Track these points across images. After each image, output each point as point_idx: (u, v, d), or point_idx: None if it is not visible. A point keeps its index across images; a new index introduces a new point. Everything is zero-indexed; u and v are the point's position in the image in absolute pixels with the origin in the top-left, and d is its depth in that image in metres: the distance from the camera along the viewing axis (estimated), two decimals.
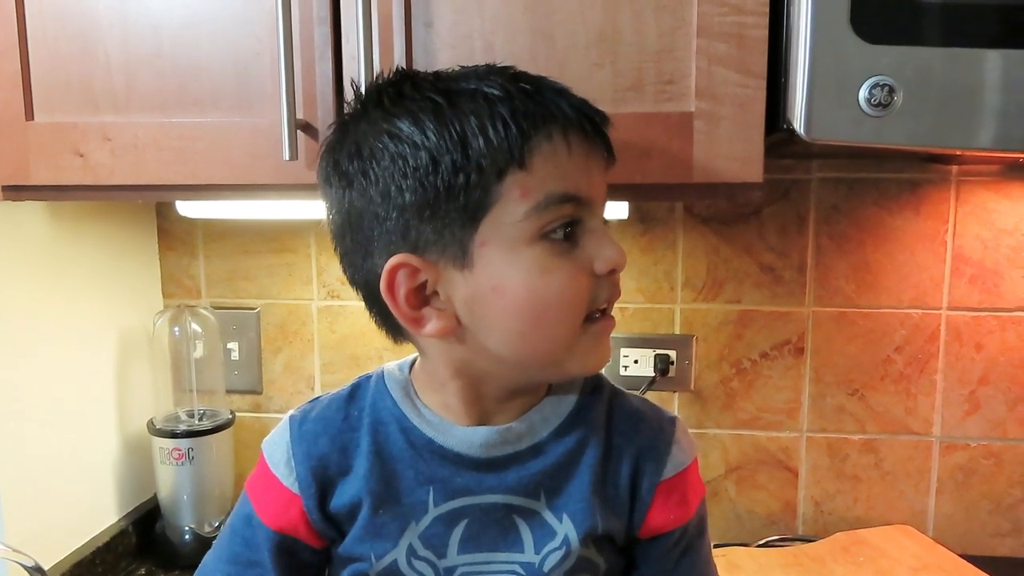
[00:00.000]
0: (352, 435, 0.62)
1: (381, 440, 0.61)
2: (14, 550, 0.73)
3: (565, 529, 0.60)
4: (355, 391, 0.65)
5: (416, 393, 0.63)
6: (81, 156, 0.79)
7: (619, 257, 0.56)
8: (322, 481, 0.61)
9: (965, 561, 0.99)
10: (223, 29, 0.77)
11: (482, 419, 0.61)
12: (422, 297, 0.56)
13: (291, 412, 0.65)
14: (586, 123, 0.56)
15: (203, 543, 1.09)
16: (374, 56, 0.74)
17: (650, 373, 1.11)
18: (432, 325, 0.57)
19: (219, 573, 0.65)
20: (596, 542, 0.61)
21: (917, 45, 0.65)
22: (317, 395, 0.68)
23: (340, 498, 0.61)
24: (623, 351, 1.12)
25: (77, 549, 1.01)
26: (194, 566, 1.06)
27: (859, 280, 1.08)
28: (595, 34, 0.73)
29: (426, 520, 0.60)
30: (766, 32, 0.71)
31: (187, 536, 1.09)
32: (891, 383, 1.09)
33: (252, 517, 0.63)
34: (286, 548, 0.63)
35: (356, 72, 0.74)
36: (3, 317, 0.90)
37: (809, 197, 1.07)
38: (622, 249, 0.57)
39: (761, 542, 1.10)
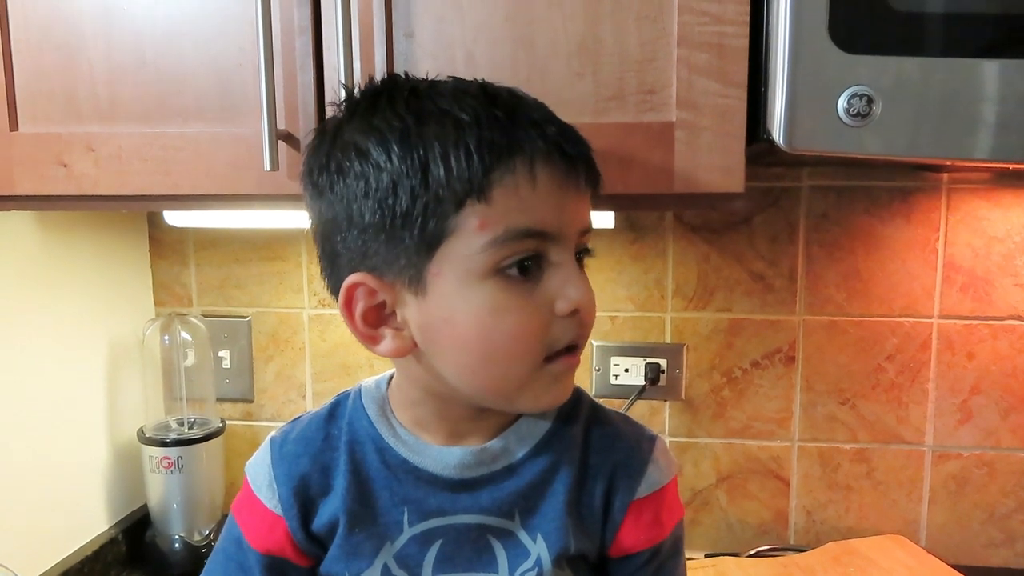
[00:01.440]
0: (332, 454, 0.62)
1: (358, 460, 0.61)
2: None
3: (539, 550, 0.60)
4: (334, 409, 0.64)
5: (392, 410, 0.63)
6: (65, 166, 0.79)
7: (582, 298, 0.54)
8: (304, 501, 0.61)
9: (958, 572, 0.98)
10: (206, 40, 0.77)
11: (456, 436, 0.61)
12: (381, 316, 0.56)
13: (272, 434, 0.66)
14: (557, 155, 0.54)
15: (193, 552, 1.09)
16: (355, 66, 0.74)
17: (640, 382, 1.11)
18: (386, 344, 0.57)
19: None
20: (570, 563, 0.61)
21: (896, 55, 0.64)
22: (303, 410, 0.68)
23: (321, 518, 0.61)
24: (613, 360, 1.12)
25: (66, 558, 1.01)
26: (184, 575, 1.07)
27: (850, 288, 1.07)
28: (576, 44, 0.73)
29: (401, 540, 0.60)
30: (746, 42, 0.70)
31: (177, 545, 1.09)
32: (883, 392, 1.08)
33: (242, 540, 0.63)
34: (277, 569, 0.63)
35: (337, 82, 0.74)
36: None
37: (799, 205, 1.07)
38: (588, 288, 0.55)
39: (752, 552, 1.09)
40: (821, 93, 0.65)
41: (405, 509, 0.60)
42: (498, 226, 0.52)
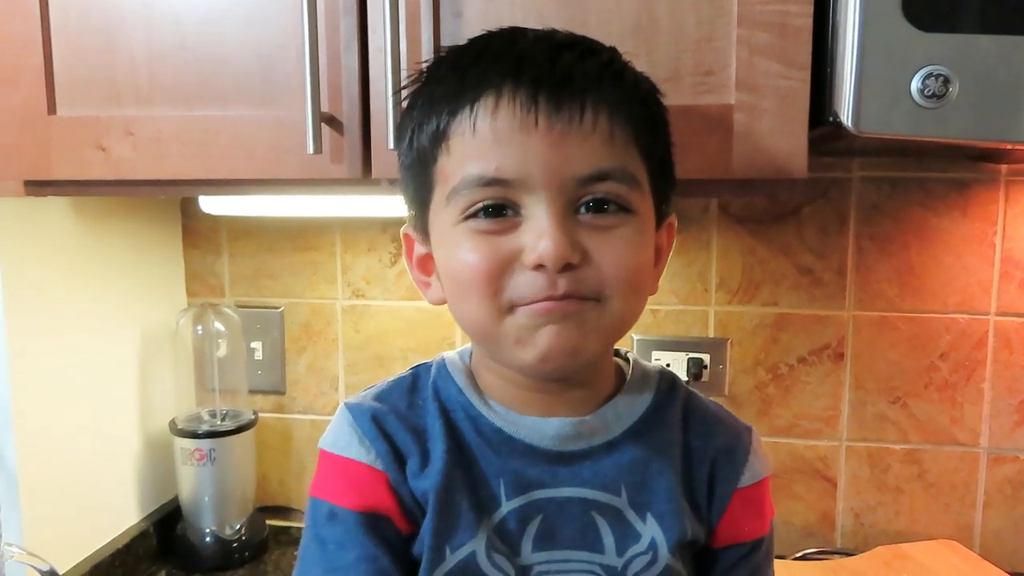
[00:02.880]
0: (421, 421, 0.58)
1: (453, 426, 0.58)
2: (30, 553, 0.72)
3: (651, 532, 0.56)
4: (416, 380, 0.61)
5: (479, 382, 0.60)
6: (103, 150, 0.78)
7: (547, 254, 0.50)
8: (400, 460, 0.57)
9: None
10: (247, 22, 0.75)
11: (548, 408, 0.57)
12: (430, 264, 0.59)
13: (344, 402, 0.61)
14: (520, 96, 0.50)
15: (224, 546, 1.07)
16: (401, 48, 0.71)
17: (683, 377, 1.07)
18: (431, 292, 0.60)
19: None
20: (682, 552, 0.57)
21: (975, 33, 0.61)
22: (336, 403, 0.66)
23: (419, 483, 0.56)
24: (655, 354, 1.09)
25: (97, 551, 1.00)
26: (215, 569, 1.06)
27: (902, 283, 1.04)
28: (630, 24, 0.70)
29: (499, 514, 0.56)
30: (810, 21, 0.67)
31: (208, 538, 1.07)
32: (935, 391, 1.04)
33: (334, 512, 0.56)
34: (379, 530, 0.56)
35: (382, 64, 0.71)
36: (26, 314, 0.89)
37: (850, 196, 1.03)
38: (558, 247, 0.50)
39: (798, 555, 1.05)
40: (893, 73, 0.62)
41: (501, 481, 0.56)
42: (455, 175, 0.53)
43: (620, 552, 0.56)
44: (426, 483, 0.56)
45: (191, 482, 1.07)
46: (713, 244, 1.07)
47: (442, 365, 0.61)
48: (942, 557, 1.00)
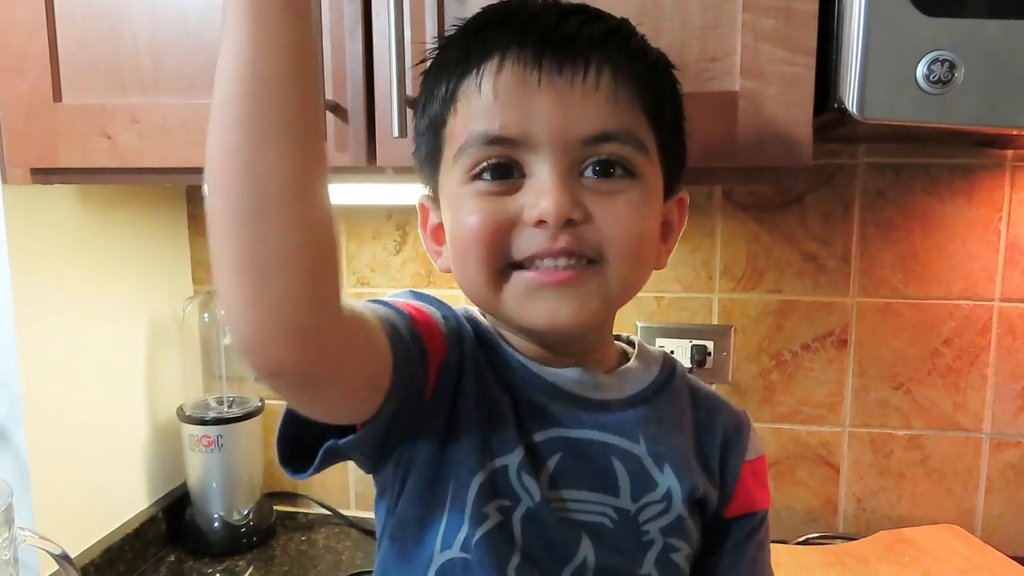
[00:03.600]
0: (474, 337, 0.57)
1: (493, 355, 0.57)
2: (42, 538, 0.73)
3: (668, 482, 0.56)
4: (454, 315, 0.59)
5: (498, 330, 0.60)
6: (109, 138, 0.78)
7: (548, 210, 0.50)
8: (460, 349, 0.55)
9: (1016, 563, 0.95)
10: None
11: (562, 365, 0.58)
12: (443, 233, 0.59)
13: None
14: (525, 56, 0.51)
15: (232, 531, 1.08)
16: (405, 33, 0.71)
17: (687, 364, 1.08)
18: (442, 260, 0.60)
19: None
20: (693, 509, 0.58)
21: (981, 17, 0.61)
22: None
23: (478, 386, 0.55)
24: (659, 341, 1.09)
25: (107, 535, 1.01)
26: (223, 553, 1.07)
27: (906, 270, 1.04)
28: (635, 8, 0.70)
29: (521, 445, 0.55)
30: (816, 6, 0.67)
31: (216, 523, 1.08)
32: (939, 377, 1.04)
33: (381, 300, 0.55)
34: (415, 347, 0.51)
35: (386, 50, 0.71)
36: (33, 302, 0.89)
37: (854, 183, 1.03)
38: (559, 203, 0.50)
39: (801, 539, 1.06)
40: (899, 59, 0.62)
41: (525, 413, 0.56)
42: (462, 135, 0.53)
43: (635, 498, 0.56)
44: (473, 399, 0.54)
45: (199, 468, 1.08)
46: (717, 231, 1.07)
47: (466, 309, 0.60)
48: (944, 541, 1.00)
